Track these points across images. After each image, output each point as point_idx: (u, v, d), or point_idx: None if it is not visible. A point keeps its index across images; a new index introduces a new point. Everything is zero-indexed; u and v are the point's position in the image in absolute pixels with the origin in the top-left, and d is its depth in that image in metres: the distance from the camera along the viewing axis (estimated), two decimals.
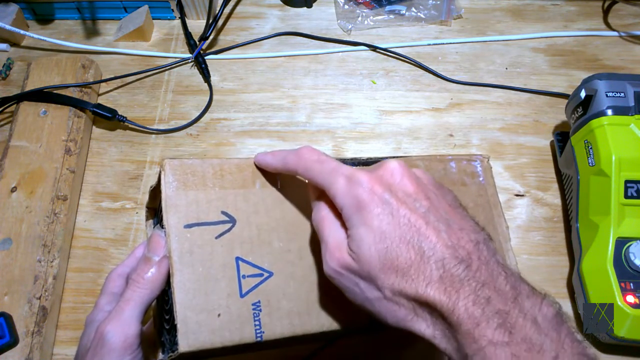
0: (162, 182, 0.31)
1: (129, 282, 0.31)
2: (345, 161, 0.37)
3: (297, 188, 0.34)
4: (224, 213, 0.31)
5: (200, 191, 0.31)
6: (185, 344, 0.28)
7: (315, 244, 0.33)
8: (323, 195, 0.30)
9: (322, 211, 0.30)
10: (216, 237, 0.31)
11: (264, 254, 0.31)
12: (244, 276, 0.30)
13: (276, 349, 0.44)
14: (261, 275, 0.31)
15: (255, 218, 0.32)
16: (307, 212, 0.34)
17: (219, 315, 0.29)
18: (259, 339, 0.29)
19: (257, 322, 0.29)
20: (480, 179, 0.41)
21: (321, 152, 0.31)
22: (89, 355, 0.30)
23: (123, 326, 0.30)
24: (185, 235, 0.30)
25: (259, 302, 0.30)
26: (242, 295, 0.30)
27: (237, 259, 0.31)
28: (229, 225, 0.31)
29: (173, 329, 0.29)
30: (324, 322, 0.31)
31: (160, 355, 0.34)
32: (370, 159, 0.38)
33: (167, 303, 0.33)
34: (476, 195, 0.40)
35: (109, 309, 0.32)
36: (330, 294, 0.32)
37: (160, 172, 0.32)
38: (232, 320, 0.29)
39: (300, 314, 0.31)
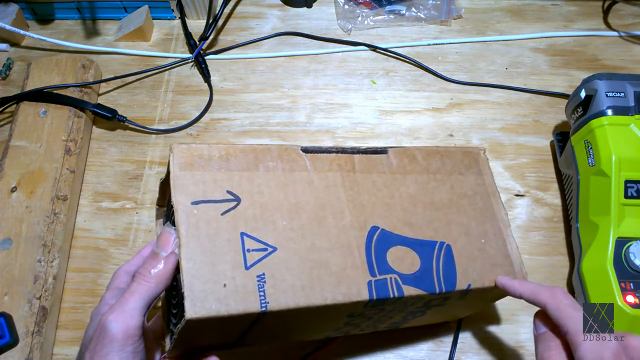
0: (171, 163, 0.33)
1: (135, 276, 0.32)
2: (345, 150, 0.38)
3: (303, 173, 0.35)
4: (229, 192, 0.33)
5: (207, 172, 0.33)
6: (192, 311, 0.29)
7: (319, 225, 0.34)
8: (557, 331, 0.33)
9: (552, 350, 0.33)
10: (222, 214, 0.32)
11: (268, 230, 0.32)
12: (248, 250, 0.31)
13: (278, 346, 0.44)
14: (265, 249, 0.32)
15: (259, 198, 0.33)
16: (311, 195, 0.35)
17: (224, 285, 0.30)
18: (263, 308, 0.30)
19: (261, 293, 0.30)
20: (478, 169, 0.42)
21: (573, 299, 0.33)
22: (92, 346, 0.30)
23: (125, 317, 0.30)
24: (192, 211, 0.31)
25: (263, 274, 0.31)
26: (247, 268, 0.31)
27: (242, 234, 0.32)
28: (234, 203, 0.32)
29: (181, 309, 0.29)
30: (327, 296, 0.32)
31: (168, 343, 0.34)
32: (369, 148, 0.39)
33: (174, 289, 0.34)
34: (474, 184, 0.41)
35: (114, 302, 0.32)
36: (333, 270, 0.33)
37: (169, 155, 0.33)
38: (238, 291, 0.30)
39: (304, 287, 0.32)
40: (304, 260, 0.32)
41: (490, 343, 0.46)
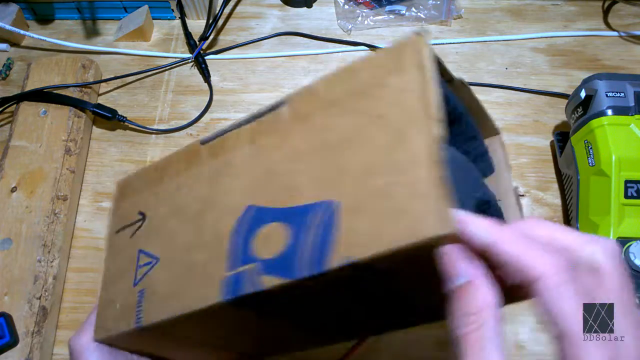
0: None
1: None
2: (240, 123, 0.31)
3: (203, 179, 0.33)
4: (139, 213, 0.34)
5: (129, 198, 0.35)
6: (97, 335, 0.31)
7: (200, 220, 0.30)
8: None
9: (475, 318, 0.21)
10: (131, 236, 0.33)
11: (158, 241, 0.32)
12: (140, 266, 0.32)
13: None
14: (150, 262, 0.32)
15: (160, 211, 0.33)
16: (201, 189, 0.31)
17: (118, 306, 0.31)
18: (138, 325, 0.30)
19: (139, 309, 0.30)
20: (411, 67, 0.24)
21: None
22: None
23: (83, 332, 0.32)
24: (114, 240, 0.34)
25: (143, 289, 0.31)
26: (134, 284, 0.31)
27: (139, 251, 0.33)
28: (141, 222, 0.34)
29: None
30: (188, 303, 0.28)
31: None
32: (268, 107, 0.30)
33: None
34: (398, 91, 0.24)
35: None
36: (198, 271, 0.29)
37: None
38: (124, 309, 0.31)
39: (173, 297, 0.29)
40: (178, 265, 0.29)
41: None
